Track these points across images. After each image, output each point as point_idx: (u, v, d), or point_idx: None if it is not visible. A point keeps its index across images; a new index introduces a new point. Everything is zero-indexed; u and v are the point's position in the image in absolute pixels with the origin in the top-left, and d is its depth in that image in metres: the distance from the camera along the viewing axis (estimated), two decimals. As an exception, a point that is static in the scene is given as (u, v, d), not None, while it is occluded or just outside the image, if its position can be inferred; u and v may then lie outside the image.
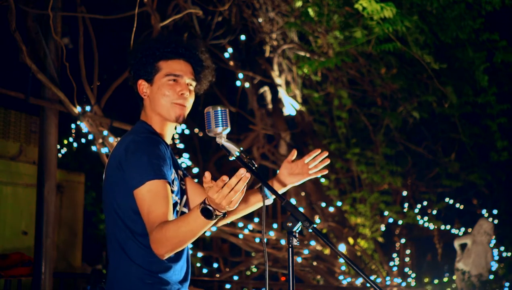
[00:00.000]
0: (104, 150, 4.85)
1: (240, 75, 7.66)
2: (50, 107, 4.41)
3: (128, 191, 1.89)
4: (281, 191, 2.21)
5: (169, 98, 2.02)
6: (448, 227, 8.94)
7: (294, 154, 2.22)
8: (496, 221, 8.31)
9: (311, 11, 5.78)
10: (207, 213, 1.69)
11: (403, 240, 9.24)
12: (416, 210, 8.22)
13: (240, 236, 7.17)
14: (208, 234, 7.14)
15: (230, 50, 7.64)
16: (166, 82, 2.02)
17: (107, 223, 2.01)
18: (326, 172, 2.24)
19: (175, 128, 2.16)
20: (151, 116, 2.06)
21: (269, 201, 2.16)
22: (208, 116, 1.92)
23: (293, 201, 7.33)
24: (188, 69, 2.07)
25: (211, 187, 1.63)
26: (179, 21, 6.76)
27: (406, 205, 8.18)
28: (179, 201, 2.04)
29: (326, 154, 2.18)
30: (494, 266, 6.79)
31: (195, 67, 2.10)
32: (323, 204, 7.66)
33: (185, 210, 2.12)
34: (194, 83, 2.09)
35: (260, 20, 7.26)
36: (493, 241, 6.93)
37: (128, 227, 1.92)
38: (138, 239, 1.91)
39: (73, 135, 8.10)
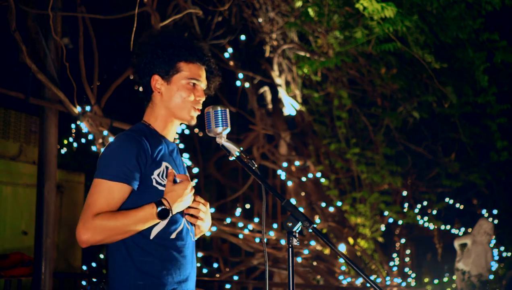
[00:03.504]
0: (104, 150, 4.84)
1: (240, 75, 7.66)
2: (50, 107, 4.41)
3: None
4: (199, 234, 2.20)
5: (187, 101, 2.02)
6: (448, 227, 8.95)
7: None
8: (496, 221, 8.32)
9: (311, 11, 5.78)
10: (163, 212, 1.88)
11: (403, 240, 9.25)
12: (416, 210, 8.22)
13: (240, 236, 7.16)
14: (208, 234, 7.14)
15: (230, 50, 7.64)
16: (186, 84, 2.02)
17: None
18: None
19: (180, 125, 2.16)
20: (158, 112, 2.05)
21: None
22: (208, 116, 1.92)
23: (293, 201, 7.33)
24: (204, 74, 2.09)
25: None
26: (179, 21, 6.75)
27: (406, 205, 8.18)
28: None
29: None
30: (494, 266, 6.79)
31: (207, 73, 2.12)
32: (323, 204, 7.65)
33: None
34: (205, 88, 2.12)
35: (260, 20, 7.26)
36: (493, 241, 6.93)
37: None
38: (129, 239, 1.91)
39: (73, 135, 8.10)
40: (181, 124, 2.13)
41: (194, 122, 2.07)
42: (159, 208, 1.87)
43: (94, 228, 1.82)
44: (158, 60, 2.02)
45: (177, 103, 2.02)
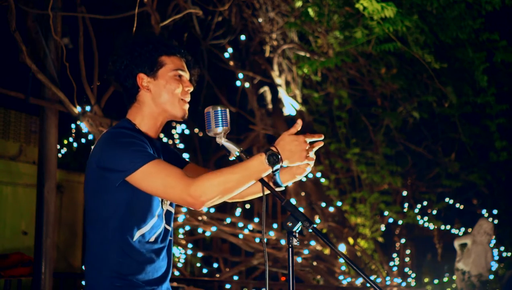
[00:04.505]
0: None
1: (240, 75, 7.66)
2: (50, 107, 4.41)
3: (106, 187, 1.86)
4: (290, 181, 2.08)
5: (177, 94, 2.02)
6: (448, 227, 8.94)
7: (299, 125, 1.91)
8: (496, 221, 8.31)
9: (311, 11, 5.78)
10: (273, 158, 1.79)
11: (403, 240, 9.25)
12: (416, 210, 8.22)
13: (240, 236, 7.17)
14: (208, 234, 7.15)
15: (230, 50, 7.64)
16: (173, 76, 2.02)
17: (85, 226, 2.00)
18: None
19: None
20: (146, 111, 2.02)
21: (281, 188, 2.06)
22: (208, 116, 1.92)
23: (293, 201, 7.34)
24: (185, 66, 2.10)
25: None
26: (179, 21, 6.75)
27: (406, 205, 8.18)
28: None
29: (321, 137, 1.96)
30: (494, 266, 6.79)
31: (187, 67, 2.12)
32: (323, 204, 7.66)
33: (171, 209, 2.07)
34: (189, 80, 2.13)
35: (260, 20, 7.26)
36: (493, 241, 6.93)
37: (99, 228, 1.90)
38: (109, 240, 1.88)
39: (73, 135, 8.10)
40: (179, 123, 2.14)
41: (186, 116, 2.05)
42: (268, 153, 1.80)
43: (204, 185, 1.77)
44: (139, 59, 2.00)
45: (167, 97, 2.00)
